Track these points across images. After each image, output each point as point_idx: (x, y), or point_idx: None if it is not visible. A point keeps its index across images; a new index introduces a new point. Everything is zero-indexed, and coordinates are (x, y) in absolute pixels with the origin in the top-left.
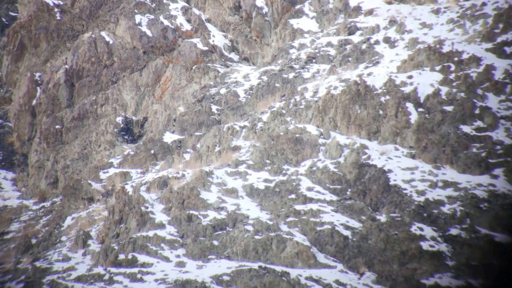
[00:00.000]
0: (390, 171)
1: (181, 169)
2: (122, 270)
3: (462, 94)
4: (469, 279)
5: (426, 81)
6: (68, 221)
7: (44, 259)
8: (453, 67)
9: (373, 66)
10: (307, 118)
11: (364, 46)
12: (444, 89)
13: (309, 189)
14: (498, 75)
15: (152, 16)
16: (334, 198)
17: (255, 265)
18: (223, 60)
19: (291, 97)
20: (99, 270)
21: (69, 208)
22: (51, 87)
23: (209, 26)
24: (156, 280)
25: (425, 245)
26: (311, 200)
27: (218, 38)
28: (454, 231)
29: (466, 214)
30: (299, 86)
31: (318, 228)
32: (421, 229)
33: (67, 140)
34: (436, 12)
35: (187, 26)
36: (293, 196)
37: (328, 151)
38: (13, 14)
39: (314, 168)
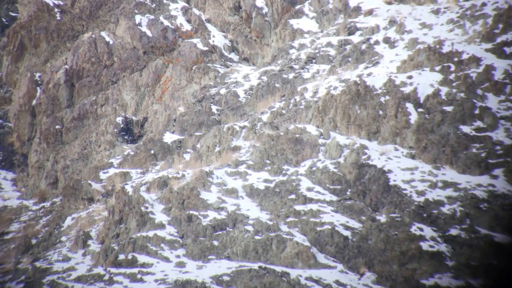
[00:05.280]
0: (390, 171)
1: (181, 169)
2: (122, 270)
3: (462, 94)
4: (469, 279)
5: (426, 81)
6: (68, 221)
7: (44, 259)
8: (453, 67)
9: (373, 66)
10: (307, 118)
11: (364, 46)
12: (444, 89)
13: (309, 189)
14: (498, 75)
15: (152, 16)
16: (334, 198)
17: (255, 265)
18: (223, 60)
19: (291, 97)
20: (99, 270)
21: (69, 208)
22: (51, 87)
23: (209, 26)
24: (156, 281)
25: (425, 246)
26: (311, 200)
27: (218, 38)
28: (454, 232)
29: (466, 214)
30: (299, 86)
31: (318, 228)
32: (421, 230)
33: (67, 140)
34: (436, 12)
35: (187, 26)
36: (293, 196)
37: (328, 151)
38: (13, 14)
39: (314, 168)
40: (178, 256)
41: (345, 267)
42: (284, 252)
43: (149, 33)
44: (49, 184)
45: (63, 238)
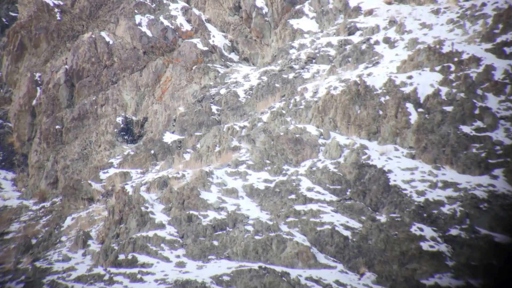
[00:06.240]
0: (390, 171)
1: (181, 169)
2: (122, 270)
3: (462, 95)
4: (469, 279)
5: (426, 82)
6: (68, 221)
7: (44, 259)
8: (453, 68)
9: (373, 66)
10: (307, 118)
11: (364, 47)
12: (444, 90)
13: (309, 189)
14: (498, 75)
15: (152, 16)
16: (334, 198)
17: (255, 265)
18: (223, 60)
19: (291, 97)
20: (99, 270)
21: (69, 208)
22: (51, 87)
23: (209, 26)
24: (156, 281)
25: (425, 246)
26: (311, 200)
27: (218, 38)
28: (454, 232)
29: (466, 214)
30: (299, 86)
31: (318, 229)
32: (421, 230)
33: (67, 140)
34: (436, 12)
35: (187, 26)
36: (293, 196)
37: (328, 151)
38: (13, 14)
39: (314, 168)
40: (178, 256)
41: (345, 267)
42: (284, 252)
43: (149, 33)
44: (49, 184)
45: (63, 238)
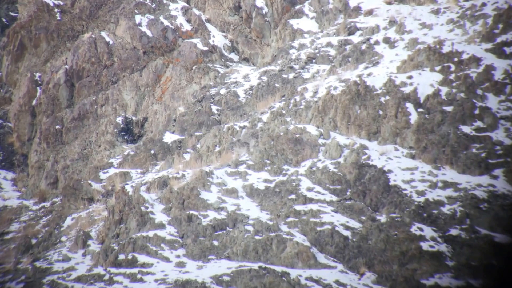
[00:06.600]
0: (390, 171)
1: (181, 169)
2: (122, 270)
3: (462, 95)
4: (469, 279)
5: (426, 82)
6: (68, 221)
7: (44, 259)
8: (453, 68)
9: (373, 66)
10: (307, 118)
11: (364, 47)
12: (444, 90)
13: (309, 189)
14: (498, 75)
15: (152, 16)
16: (334, 198)
17: (255, 266)
18: (223, 60)
19: (291, 97)
20: (99, 270)
21: (69, 208)
22: (51, 87)
23: (209, 26)
24: (156, 281)
25: (425, 246)
26: (311, 200)
27: (218, 38)
28: (454, 232)
29: (466, 214)
30: (299, 86)
31: (318, 229)
32: (421, 230)
33: (67, 140)
34: (436, 12)
35: (187, 26)
36: (293, 196)
37: (328, 152)
38: (13, 14)
39: (314, 169)
40: (178, 256)
41: (345, 267)
42: (284, 252)
43: (149, 33)
44: (49, 184)
45: (63, 238)
